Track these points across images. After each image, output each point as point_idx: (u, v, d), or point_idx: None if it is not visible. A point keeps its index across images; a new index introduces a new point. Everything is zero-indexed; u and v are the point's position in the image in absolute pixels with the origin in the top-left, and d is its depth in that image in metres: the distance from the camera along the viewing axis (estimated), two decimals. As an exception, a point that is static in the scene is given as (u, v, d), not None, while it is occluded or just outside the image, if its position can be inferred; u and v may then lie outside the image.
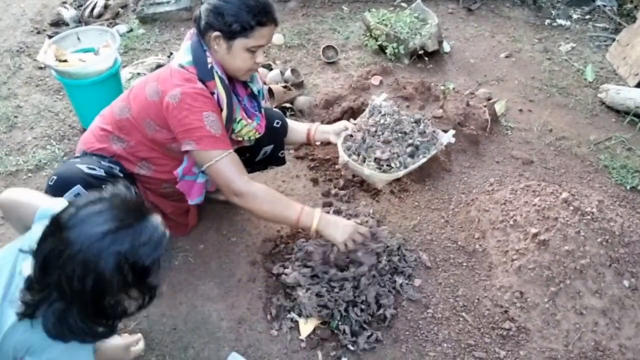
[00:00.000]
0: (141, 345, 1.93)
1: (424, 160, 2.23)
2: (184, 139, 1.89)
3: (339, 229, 2.01)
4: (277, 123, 2.39)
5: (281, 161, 2.56)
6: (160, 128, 1.96)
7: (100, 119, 2.16)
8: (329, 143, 2.36)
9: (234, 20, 1.83)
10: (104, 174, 1.96)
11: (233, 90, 2.05)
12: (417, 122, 2.35)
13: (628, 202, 2.74)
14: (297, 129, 2.43)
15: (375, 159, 2.19)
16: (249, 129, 2.10)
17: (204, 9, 1.89)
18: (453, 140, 2.33)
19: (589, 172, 2.95)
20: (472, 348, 2.06)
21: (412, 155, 2.22)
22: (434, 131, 2.34)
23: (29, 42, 4.11)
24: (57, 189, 1.85)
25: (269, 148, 2.42)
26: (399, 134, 2.27)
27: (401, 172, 2.19)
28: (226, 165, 1.91)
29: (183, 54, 1.95)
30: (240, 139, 2.13)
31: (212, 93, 1.91)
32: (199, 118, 1.85)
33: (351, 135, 2.29)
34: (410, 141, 2.26)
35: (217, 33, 1.87)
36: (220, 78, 1.93)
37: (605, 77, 3.85)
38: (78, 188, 1.86)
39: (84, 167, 1.92)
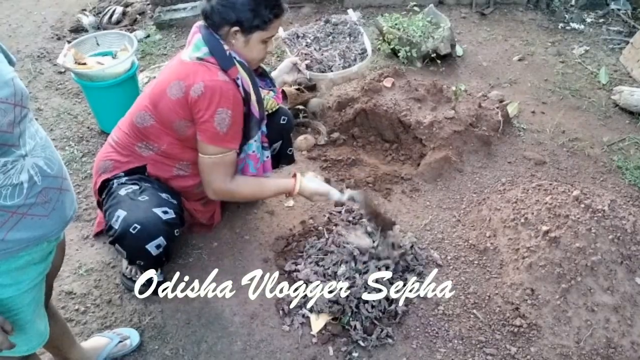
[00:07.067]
0: None
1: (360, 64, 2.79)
2: (197, 130, 1.97)
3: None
4: (284, 120, 2.46)
5: (290, 159, 2.62)
6: (190, 123, 2.00)
7: (118, 134, 2.17)
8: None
9: (253, 16, 1.90)
10: (175, 217, 2.02)
11: None
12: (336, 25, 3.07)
13: (641, 202, 2.73)
14: None
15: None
16: (269, 98, 2.25)
17: (217, 4, 1.91)
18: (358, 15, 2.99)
19: (602, 173, 2.94)
20: (483, 344, 2.06)
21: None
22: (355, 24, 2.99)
23: (49, 47, 4.22)
24: (139, 239, 1.90)
25: (277, 145, 2.48)
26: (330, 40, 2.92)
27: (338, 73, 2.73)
28: (217, 165, 2.02)
29: (196, 48, 1.96)
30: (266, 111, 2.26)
31: (236, 79, 1.96)
32: (211, 113, 1.90)
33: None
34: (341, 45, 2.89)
35: (235, 28, 1.92)
36: (240, 63, 1.99)
37: (619, 80, 3.83)
38: (161, 240, 1.94)
39: (159, 213, 1.96)
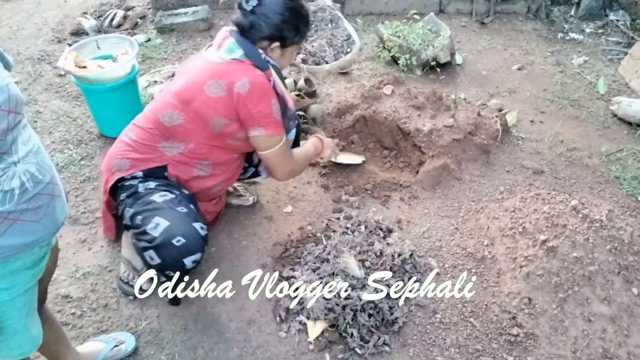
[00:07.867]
0: None
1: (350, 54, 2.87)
2: (253, 126, 2.02)
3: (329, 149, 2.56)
4: None
5: None
6: (230, 121, 2.02)
7: (136, 132, 2.13)
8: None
9: (296, 33, 2.03)
10: (207, 232, 2.00)
11: None
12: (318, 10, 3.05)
13: (639, 212, 2.73)
14: None
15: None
16: None
17: (258, 21, 1.96)
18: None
19: (600, 183, 2.95)
20: (480, 353, 2.06)
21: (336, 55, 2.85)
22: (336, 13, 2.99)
23: (49, 50, 4.22)
24: (180, 252, 1.88)
25: None
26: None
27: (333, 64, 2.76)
28: (284, 150, 2.17)
29: (230, 51, 1.99)
30: None
31: (270, 80, 2.03)
32: (268, 105, 1.98)
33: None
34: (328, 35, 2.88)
35: (276, 44, 2.02)
36: (274, 66, 2.06)
37: (618, 90, 3.85)
38: (198, 255, 1.94)
39: (198, 228, 1.95)
